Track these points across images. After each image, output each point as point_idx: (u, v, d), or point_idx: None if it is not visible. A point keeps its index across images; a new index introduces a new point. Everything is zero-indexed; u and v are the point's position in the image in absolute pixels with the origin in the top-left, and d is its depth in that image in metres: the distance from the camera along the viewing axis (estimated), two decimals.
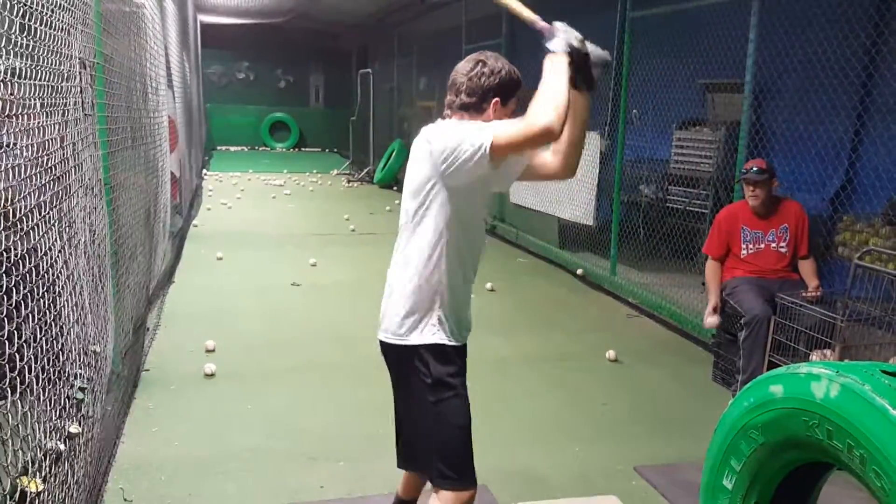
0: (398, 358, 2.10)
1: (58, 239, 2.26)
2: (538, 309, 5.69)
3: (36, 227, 2.01)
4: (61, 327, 2.27)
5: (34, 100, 2.04)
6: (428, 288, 2.01)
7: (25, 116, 1.97)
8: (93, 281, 2.83)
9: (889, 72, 4.48)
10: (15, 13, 1.85)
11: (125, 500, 2.78)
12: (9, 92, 1.84)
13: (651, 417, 3.70)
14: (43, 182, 2.10)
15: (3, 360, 1.73)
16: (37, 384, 1.95)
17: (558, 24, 1.96)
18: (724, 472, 2.05)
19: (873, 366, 1.76)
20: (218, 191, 11.43)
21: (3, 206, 1.78)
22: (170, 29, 7.12)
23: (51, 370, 2.10)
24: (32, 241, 1.98)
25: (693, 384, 4.19)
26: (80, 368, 2.50)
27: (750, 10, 4.39)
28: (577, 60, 1.94)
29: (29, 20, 1.96)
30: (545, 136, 1.83)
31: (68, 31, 2.50)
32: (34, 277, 1.98)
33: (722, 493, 2.06)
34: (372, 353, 4.44)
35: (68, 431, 2.27)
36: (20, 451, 1.81)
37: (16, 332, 1.79)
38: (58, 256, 2.24)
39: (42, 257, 2.07)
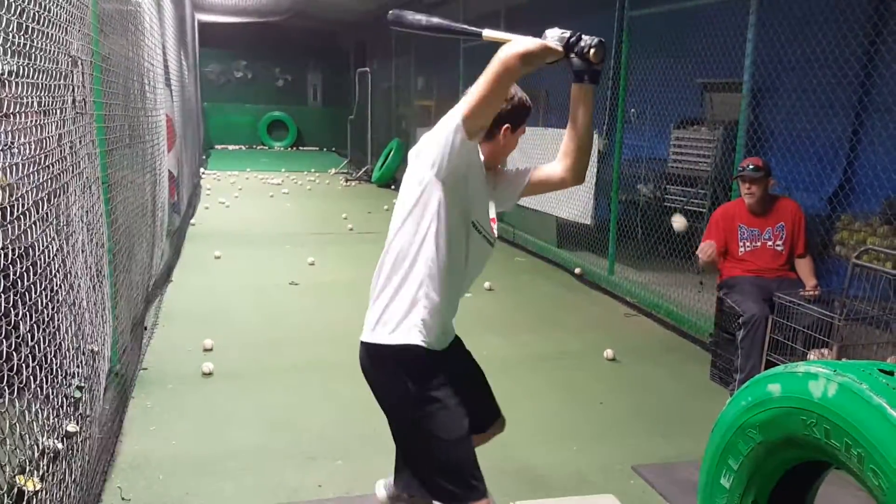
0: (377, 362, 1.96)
1: (55, 237, 2.25)
2: (536, 308, 5.69)
3: (33, 226, 2.01)
4: (59, 326, 2.26)
5: (31, 98, 2.04)
6: (410, 290, 1.91)
7: (22, 115, 1.97)
8: (91, 279, 2.83)
9: (887, 71, 4.49)
10: (13, 12, 1.84)
11: (123, 498, 2.77)
12: (6, 91, 1.83)
13: (649, 416, 3.70)
14: (40, 180, 2.10)
15: (1, 359, 1.73)
16: (34, 383, 1.95)
17: (547, 32, 1.94)
18: (721, 471, 2.05)
19: (871, 365, 1.76)
20: (216, 190, 11.42)
21: (0, 203, 1.78)
22: (167, 27, 7.11)
23: (48, 369, 2.09)
24: (29, 240, 1.98)
25: (691, 383, 4.19)
26: (78, 367, 2.49)
27: (748, 9, 4.39)
28: (575, 51, 1.91)
29: (27, 19, 1.96)
30: (504, 74, 1.73)
31: (66, 29, 2.50)
32: (31, 276, 1.97)
33: (720, 492, 2.07)
34: None
35: (66, 430, 2.27)
36: (18, 450, 1.80)
37: (13, 330, 1.79)
38: (55, 255, 2.24)
39: (39, 256, 2.06)
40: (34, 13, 2.03)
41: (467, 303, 2.35)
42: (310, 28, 17.62)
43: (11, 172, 1.87)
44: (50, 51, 2.24)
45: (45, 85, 2.19)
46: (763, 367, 3.65)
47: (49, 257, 2.17)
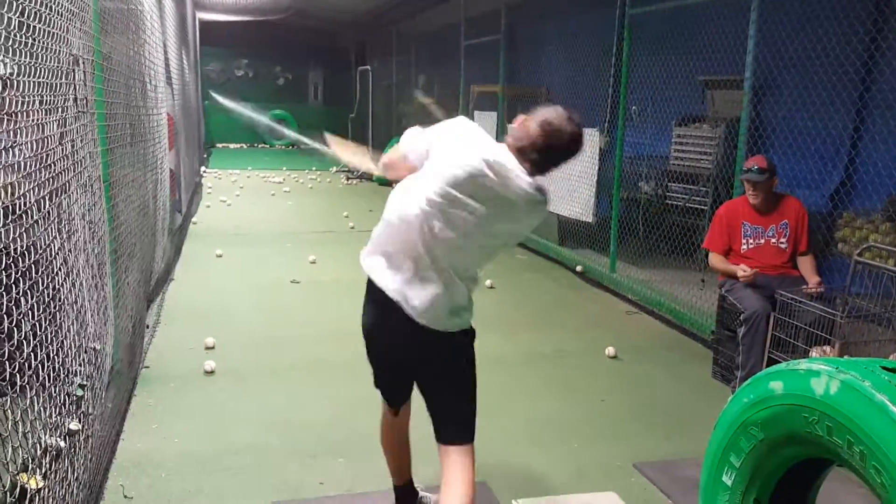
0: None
1: (57, 236, 2.26)
2: (537, 306, 5.69)
3: (35, 224, 2.01)
4: (61, 324, 2.27)
5: (33, 97, 2.03)
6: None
7: (24, 114, 1.97)
8: (92, 278, 2.83)
9: (888, 67, 4.48)
10: (14, 11, 1.84)
11: (125, 496, 2.78)
12: (7, 90, 1.83)
13: (650, 414, 3.70)
14: (42, 179, 2.10)
15: (3, 357, 1.73)
16: (37, 381, 1.95)
17: None
18: (723, 468, 2.05)
19: (873, 362, 1.76)
20: (217, 188, 11.42)
21: (3, 202, 1.78)
22: (168, 26, 7.11)
23: (50, 367, 2.10)
24: (32, 238, 1.98)
25: (692, 381, 4.19)
26: (80, 365, 2.50)
27: (749, 6, 4.38)
28: None
29: (28, 18, 1.96)
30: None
31: (67, 28, 2.50)
32: (33, 274, 1.97)
33: (722, 489, 2.07)
34: None
35: (68, 428, 2.27)
36: (20, 448, 1.81)
37: (15, 328, 1.79)
38: (57, 253, 2.24)
39: (41, 254, 2.07)
40: (35, 11, 2.03)
41: None
42: (310, 27, 17.60)
43: (13, 171, 1.87)
44: (51, 49, 2.24)
45: (46, 83, 2.19)
46: (765, 364, 3.65)
47: (51, 255, 2.17)
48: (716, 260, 4.08)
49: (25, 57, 1.95)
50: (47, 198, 2.15)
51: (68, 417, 2.30)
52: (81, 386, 2.46)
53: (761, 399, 1.90)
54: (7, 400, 1.76)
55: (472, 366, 2.24)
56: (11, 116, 1.86)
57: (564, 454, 3.24)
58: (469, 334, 2.22)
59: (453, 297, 2.10)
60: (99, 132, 3.24)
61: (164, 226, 5.90)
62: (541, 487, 2.96)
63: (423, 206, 2.04)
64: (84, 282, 2.64)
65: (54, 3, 2.30)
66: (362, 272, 2.22)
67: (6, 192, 1.80)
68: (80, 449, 2.36)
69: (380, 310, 2.16)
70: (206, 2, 13.70)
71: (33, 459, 1.92)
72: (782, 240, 3.98)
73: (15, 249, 1.82)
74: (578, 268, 6.55)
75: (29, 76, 1.98)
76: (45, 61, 2.17)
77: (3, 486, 1.71)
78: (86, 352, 2.61)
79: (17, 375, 1.81)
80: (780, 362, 2.18)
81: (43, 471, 1.97)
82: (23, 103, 1.94)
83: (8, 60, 1.84)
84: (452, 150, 2.04)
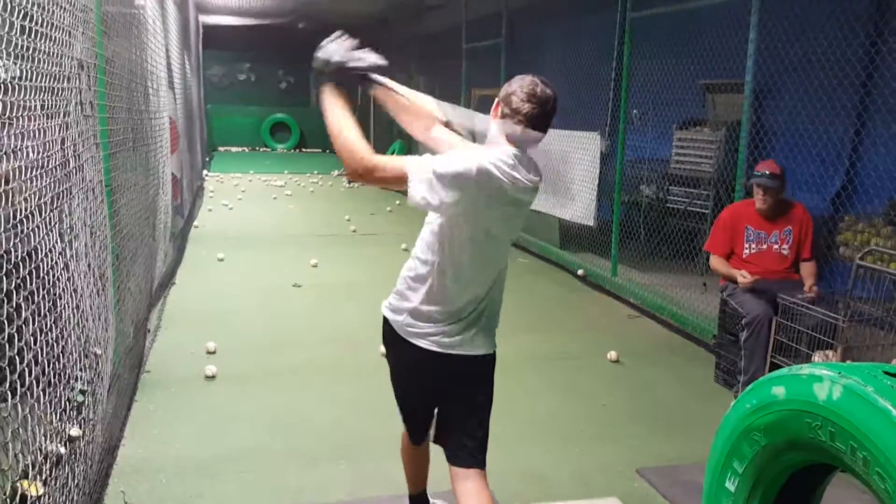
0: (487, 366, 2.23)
1: (58, 241, 2.25)
2: (539, 309, 5.68)
3: (37, 229, 2.01)
4: (62, 329, 2.26)
5: (35, 101, 2.04)
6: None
7: (26, 118, 1.97)
8: (94, 283, 2.83)
9: (889, 71, 4.48)
10: (16, 15, 1.84)
11: (126, 502, 2.77)
12: (10, 94, 1.83)
13: (652, 418, 3.69)
14: (43, 184, 2.10)
15: (4, 363, 1.73)
16: (37, 387, 1.95)
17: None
18: (726, 474, 2.04)
19: (876, 367, 1.75)
20: (219, 192, 11.43)
21: (4, 207, 1.78)
22: (171, 30, 7.12)
23: (51, 373, 2.09)
24: (33, 243, 1.98)
25: (694, 385, 4.18)
26: (81, 371, 2.49)
27: (750, 10, 4.38)
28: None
29: (29, 22, 1.96)
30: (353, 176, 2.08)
31: (69, 32, 2.50)
32: (34, 279, 1.97)
33: (725, 495, 2.06)
34: (373, 354, 4.43)
35: (69, 434, 2.27)
36: (20, 455, 1.80)
37: (16, 334, 1.79)
38: (58, 258, 2.24)
39: (42, 259, 2.06)
40: (37, 16, 2.04)
41: None
42: (313, 30, 17.62)
43: (15, 176, 1.87)
44: (54, 53, 2.24)
45: (49, 88, 2.19)
46: (767, 369, 3.64)
47: (52, 260, 2.17)
48: (717, 262, 4.07)
49: (28, 62, 1.95)
50: (49, 202, 2.15)
51: (69, 423, 2.29)
52: (82, 391, 2.46)
53: (764, 404, 1.90)
54: (7, 406, 1.76)
55: (493, 387, 2.26)
56: (14, 121, 1.86)
57: (566, 458, 3.24)
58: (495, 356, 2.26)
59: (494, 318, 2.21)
60: (101, 136, 3.24)
61: (165, 229, 5.91)
62: (542, 491, 2.95)
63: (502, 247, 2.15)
64: (85, 286, 2.64)
65: (56, 7, 2.31)
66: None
67: (6, 197, 1.79)
68: (80, 455, 2.36)
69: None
70: (209, 5, 13.72)
71: (34, 466, 1.92)
72: (785, 246, 3.96)
73: (17, 254, 1.82)
74: (580, 271, 6.54)
75: (31, 80, 1.98)
76: (48, 66, 2.17)
77: (4, 493, 1.71)
78: (87, 357, 2.60)
79: (18, 381, 1.81)
80: (782, 367, 2.17)
81: (43, 477, 1.97)
82: (25, 108, 1.94)
83: (10, 64, 1.84)
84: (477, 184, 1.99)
